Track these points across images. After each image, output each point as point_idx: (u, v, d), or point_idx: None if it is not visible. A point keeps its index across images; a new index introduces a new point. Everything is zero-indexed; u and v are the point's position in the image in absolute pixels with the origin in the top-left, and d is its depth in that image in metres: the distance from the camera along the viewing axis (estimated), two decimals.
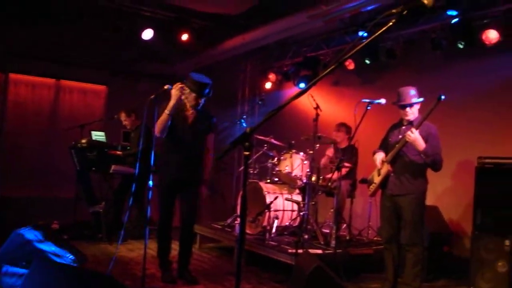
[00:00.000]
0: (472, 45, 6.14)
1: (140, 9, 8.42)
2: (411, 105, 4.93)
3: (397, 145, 4.90)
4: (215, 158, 5.26)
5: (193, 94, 5.03)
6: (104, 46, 9.37)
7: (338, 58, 2.30)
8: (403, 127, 5.00)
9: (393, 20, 2.17)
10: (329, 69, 2.21)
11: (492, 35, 5.81)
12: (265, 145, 7.43)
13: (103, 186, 7.71)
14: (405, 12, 2.14)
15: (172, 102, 4.89)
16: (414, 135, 4.64)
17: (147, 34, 8.65)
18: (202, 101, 5.11)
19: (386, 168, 4.97)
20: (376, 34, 2.23)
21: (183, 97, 5.01)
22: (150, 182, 4.77)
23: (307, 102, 6.41)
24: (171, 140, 5.16)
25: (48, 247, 4.53)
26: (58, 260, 4.34)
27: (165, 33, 8.90)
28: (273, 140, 7.27)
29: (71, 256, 4.65)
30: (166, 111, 4.89)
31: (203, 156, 5.33)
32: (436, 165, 4.78)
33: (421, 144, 4.66)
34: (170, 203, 5.25)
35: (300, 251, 5.43)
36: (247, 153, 2.31)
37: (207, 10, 8.70)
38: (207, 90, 5.08)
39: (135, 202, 7.05)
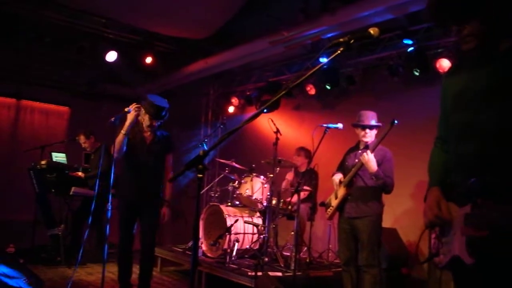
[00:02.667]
0: (426, 72, 6.35)
1: (105, 31, 8.44)
2: (371, 127, 5.08)
3: (353, 169, 5.01)
4: (168, 180, 5.23)
5: (147, 116, 5.05)
6: (67, 67, 9.33)
7: (287, 85, 2.37)
8: (359, 151, 5.13)
9: (341, 49, 2.25)
10: (277, 97, 2.27)
11: (445, 64, 6.04)
12: (227, 169, 7.50)
13: (63, 209, 7.59)
14: (352, 41, 2.23)
15: (127, 122, 4.91)
16: (368, 157, 4.77)
17: (111, 56, 8.67)
18: (157, 123, 5.13)
19: (343, 191, 5.07)
20: (323, 64, 2.32)
21: (139, 117, 5.03)
22: (109, 205, 4.75)
23: (267, 126, 6.51)
24: (130, 161, 5.16)
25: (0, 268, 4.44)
26: (11, 283, 4.26)
27: (129, 56, 8.93)
28: (234, 164, 7.33)
29: (25, 280, 4.56)
30: (122, 131, 4.89)
31: (163, 176, 5.31)
32: (387, 188, 4.92)
33: (373, 166, 4.79)
34: (129, 226, 5.19)
35: (259, 273, 5.45)
36: (200, 175, 2.33)
37: (172, 34, 8.78)
38: (163, 113, 5.09)
39: (95, 225, 6.97)
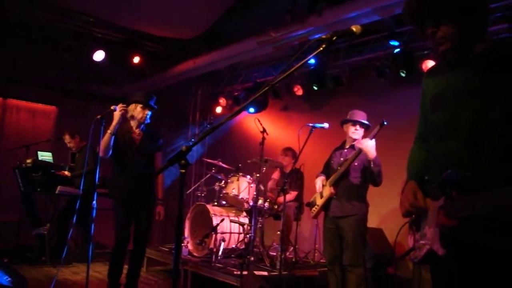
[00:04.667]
0: (413, 73, 6.39)
1: (92, 30, 8.40)
2: (361, 124, 5.11)
3: (339, 168, 5.03)
4: (153, 175, 5.23)
5: (139, 106, 5.07)
6: (54, 66, 9.26)
7: (270, 82, 2.37)
8: (345, 150, 5.17)
9: (323, 45, 2.26)
10: (259, 93, 2.27)
11: (431, 65, 6.07)
12: (213, 168, 7.50)
13: (48, 208, 7.54)
14: (334, 38, 2.24)
15: (114, 122, 4.91)
16: (368, 142, 4.75)
17: (99, 55, 8.63)
18: (148, 113, 5.15)
19: (328, 190, 5.08)
20: (305, 60, 2.33)
21: (128, 115, 5.03)
22: (94, 203, 4.73)
23: (254, 127, 6.53)
24: (120, 162, 5.14)
25: None
26: None
27: (117, 55, 8.90)
28: (221, 163, 7.34)
29: (8, 278, 4.53)
30: (109, 131, 4.89)
31: (154, 175, 5.31)
32: (380, 177, 4.88)
33: (373, 151, 4.77)
34: (126, 226, 5.16)
35: (245, 272, 5.46)
36: (183, 171, 2.33)
37: (160, 33, 8.77)
38: (152, 102, 5.15)
39: (81, 224, 6.93)
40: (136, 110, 5.10)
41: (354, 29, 2.25)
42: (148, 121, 5.22)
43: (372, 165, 4.82)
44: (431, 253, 2.14)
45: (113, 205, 5.21)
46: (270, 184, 7.31)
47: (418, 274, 5.48)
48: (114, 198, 5.23)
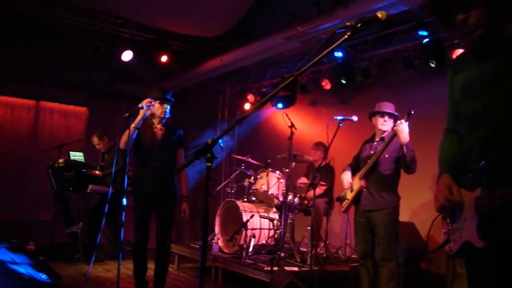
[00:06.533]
0: (443, 64, 6.27)
1: (120, 30, 8.49)
2: (390, 115, 5.03)
3: (369, 161, 4.96)
4: (176, 171, 5.25)
5: (157, 101, 5.11)
6: (84, 67, 9.40)
7: (295, 71, 2.35)
8: (375, 143, 5.10)
9: (348, 33, 2.23)
10: (285, 82, 2.26)
11: None
12: (243, 165, 7.50)
13: (80, 207, 7.67)
14: (359, 25, 2.20)
15: (139, 117, 4.95)
16: (403, 126, 4.65)
17: (127, 55, 8.71)
18: (167, 107, 5.18)
19: (358, 184, 5.02)
20: (331, 48, 2.29)
21: (148, 112, 5.03)
22: (124, 201, 4.77)
23: (283, 122, 6.51)
24: (142, 158, 5.20)
25: (22, 268, 4.49)
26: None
27: (145, 55, 8.96)
28: (250, 159, 7.33)
29: (44, 276, 4.62)
30: (133, 125, 4.93)
31: (176, 171, 5.32)
32: (414, 163, 4.76)
33: (406, 136, 4.65)
34: (144, 221, 5.18)
35: (275, 268, 5.44)
36: (209, 164, 2.32)
37: (186, 32, 8.80)
38: (169, 95, 5.19)
39: (112, 222, 7.03)
40: (155, 106, 5.13)
41: (379, 15, 2.22)
42: (168, 115, 5.25)
43: (405, 150, 4.68)
44: (467, 245, 2.08)
45: (133, 202, 5.23)
46: (300, 180, 7.26)
47: (452, 269, 5.37)
48: (135, 194, 5.27)
